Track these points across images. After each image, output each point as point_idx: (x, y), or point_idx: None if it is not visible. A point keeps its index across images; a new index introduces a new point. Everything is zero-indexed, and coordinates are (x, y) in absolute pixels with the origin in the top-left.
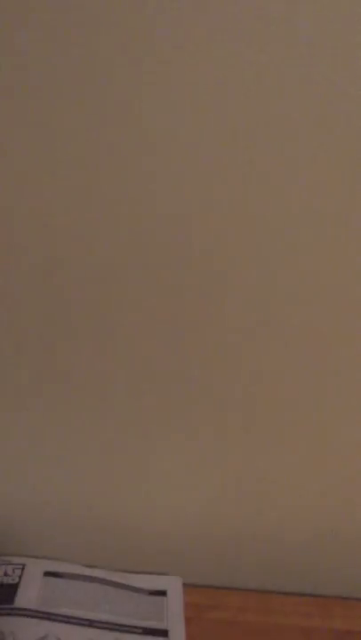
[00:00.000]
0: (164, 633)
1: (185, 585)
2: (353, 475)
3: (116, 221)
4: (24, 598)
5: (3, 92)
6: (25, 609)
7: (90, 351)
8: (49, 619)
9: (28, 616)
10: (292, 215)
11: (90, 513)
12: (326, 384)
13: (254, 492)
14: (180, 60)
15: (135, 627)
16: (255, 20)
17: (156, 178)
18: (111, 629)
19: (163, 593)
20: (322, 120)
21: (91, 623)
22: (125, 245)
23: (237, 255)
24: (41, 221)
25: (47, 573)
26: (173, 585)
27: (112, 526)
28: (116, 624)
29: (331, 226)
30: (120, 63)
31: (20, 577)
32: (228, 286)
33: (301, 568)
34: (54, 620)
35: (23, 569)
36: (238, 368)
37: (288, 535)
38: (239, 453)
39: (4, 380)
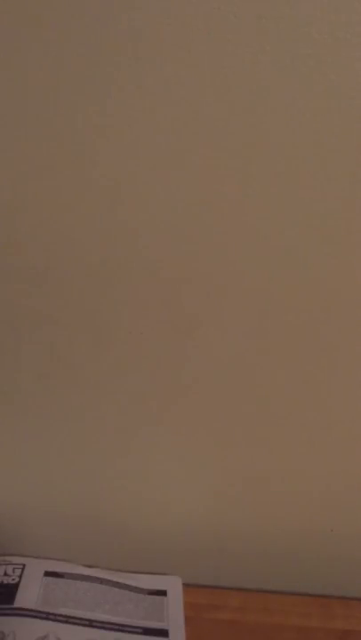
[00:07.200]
0: (164, 633)
1: (185, 585)
2: (353, 474)
3: (115, 221)
4: (24, 598)
5: (4, 93)
6: (25, 609)
7: (90, 351)
8: (49, 619)
9: (28, 616)
10: (291, 225)
11: (90, 513)
12: (325, 382)
13: (254, 492)
14: (180, 66)
15: (135, 627)
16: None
17: (156, 179)
18: (111, 629)
19: (163, 593)
20: (321, 129)
21: (91, 623)
22: (125, 245)
23: (237, 257)
24: (40, 221)
25: (47, 573)
26: (173, 585)
27: (112, 526)
28: (116, 624)
29: (330, 236)
30: (120, 74)
31: (20, 577)
32: (227, 285)
33: (301, 568)
34: (54, 620)
35: (23, 569)
36: (238, 369)
37: (288, 535)
38: (239, 454)
39: (4, 380)
